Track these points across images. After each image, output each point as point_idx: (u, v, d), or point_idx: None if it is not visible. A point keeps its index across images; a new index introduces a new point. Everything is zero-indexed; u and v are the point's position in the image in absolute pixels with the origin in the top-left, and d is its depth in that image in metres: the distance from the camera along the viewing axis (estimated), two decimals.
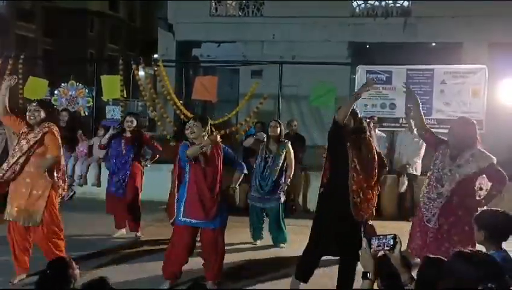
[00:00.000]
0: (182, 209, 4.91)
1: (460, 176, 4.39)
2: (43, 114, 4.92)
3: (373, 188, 4.67)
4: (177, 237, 4.98)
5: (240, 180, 5.37)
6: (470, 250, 2.50)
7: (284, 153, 6.54)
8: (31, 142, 4.83)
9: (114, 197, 6.75)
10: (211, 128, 5.01)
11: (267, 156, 6.54)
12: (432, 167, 4.67)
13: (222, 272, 5.08)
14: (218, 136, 4.98)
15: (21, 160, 4.82)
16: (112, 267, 5.60)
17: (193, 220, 4.89)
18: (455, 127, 4.57)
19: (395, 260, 2.66)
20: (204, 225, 4.92)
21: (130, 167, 6.66)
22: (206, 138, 4.87)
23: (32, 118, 4.89)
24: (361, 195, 4.53)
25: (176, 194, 5.13)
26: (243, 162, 5.44)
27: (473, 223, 3.32)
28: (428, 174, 4.74)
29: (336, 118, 4.45)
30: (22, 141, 4.86)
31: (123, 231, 6.88)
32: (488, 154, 4.45)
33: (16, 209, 4.86)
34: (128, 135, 6.78)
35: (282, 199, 6.60)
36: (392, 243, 2.66)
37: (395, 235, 2.70)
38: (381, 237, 2.73)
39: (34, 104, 5.01)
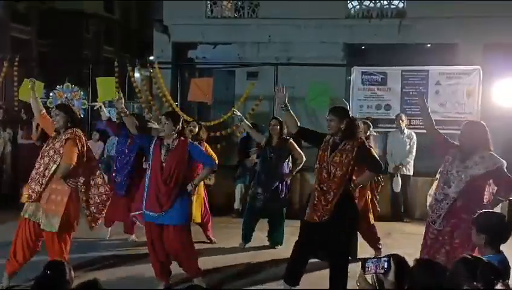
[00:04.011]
0: (145, 202, 4.87)
1: (466, 177, 4.31)
2: (64, 118, 4.83)
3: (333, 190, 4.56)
4: (147, 234, 4.95)
5: (205, 175, 5.19)
6: (472, 256, 2.49)
7: (288, 149, 6.52)
8: (56, 149, 4.75)
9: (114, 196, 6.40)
10: (182, 125, 4.95)
11: (270, 153, 6.49)
12: (440, 170, 4.62)
13: (199, 266, 5.01)
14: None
15: (52, 167, 4.69)
16: (108, 268, 5.61)
17: (150, 213, 4.81)
18: (465, 129, 4.53)
19: (388, 283, 2.55)
20: (162, 221, 4.78)
21: (132, 167, 6.40)
22: (176, 135, 4.81)
23: (55, 122, 4.87)
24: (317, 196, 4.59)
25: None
26: (212, 157, 5.25)
27: (472, 224, 3.29)
28: (437, 176, 4.70)
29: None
30: (49, 149, 4.79)
31: (110, 229, 6.85)
32: (498, 157, 4.38)
33: (34, 208, 4.78)
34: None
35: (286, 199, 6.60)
36: (386, 266, 2.55)
37: (389, 257, 2.60)
38: (375, 259, 2.65)
39: (55, 108, 5.00)
